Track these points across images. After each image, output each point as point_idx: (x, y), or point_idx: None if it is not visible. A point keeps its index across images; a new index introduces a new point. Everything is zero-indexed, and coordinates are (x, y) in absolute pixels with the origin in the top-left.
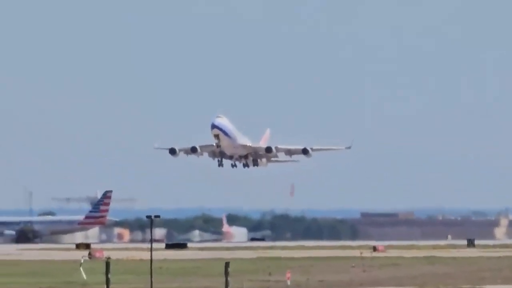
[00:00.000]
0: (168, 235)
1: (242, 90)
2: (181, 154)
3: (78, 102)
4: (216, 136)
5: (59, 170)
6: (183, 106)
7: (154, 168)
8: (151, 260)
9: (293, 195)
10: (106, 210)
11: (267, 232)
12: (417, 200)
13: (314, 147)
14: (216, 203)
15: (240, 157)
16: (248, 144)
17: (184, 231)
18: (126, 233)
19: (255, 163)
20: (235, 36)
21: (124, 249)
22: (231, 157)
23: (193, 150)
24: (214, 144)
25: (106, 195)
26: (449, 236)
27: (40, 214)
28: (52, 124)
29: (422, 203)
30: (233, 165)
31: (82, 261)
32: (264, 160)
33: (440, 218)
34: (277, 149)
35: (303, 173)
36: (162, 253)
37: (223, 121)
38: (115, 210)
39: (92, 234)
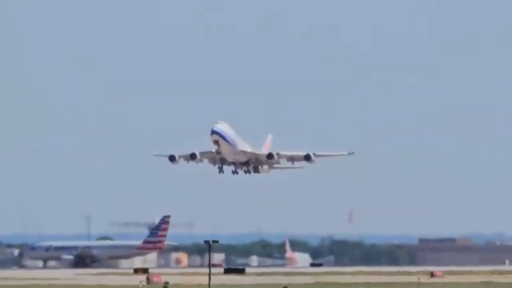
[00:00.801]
0: (227, 260)
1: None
2: (181, 161)
3: (135, 127)
4: (216, 142)
5: (117, 195)
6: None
7: (212, 193)
8: (209, 285)
9: (352, 221)
10: (164, 235)
11: (330, 258)
12: (475, 225)
13: (317, 153)
14: (273, 228)
15: (241, 164)
16: (248, 150)
17: (242, 256)
18: (184, 258)
19: (256, 170)
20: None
21: (182, 274)
22: (231, 164)
23: (192, 156)
24: (214, 151)
25: (164, 220)
26: (507, 261)
27: (98, 239)
28: (110, 149)
29: (480, 228)
30: (234, 172)
31: (140, 286)
32: (266, 167)
33: (498, 243)
34: (279, 156)
35: (362, 198)
36: (220, 278)
37: (222, 127)
38: (173, 235)
39: (150, 259)
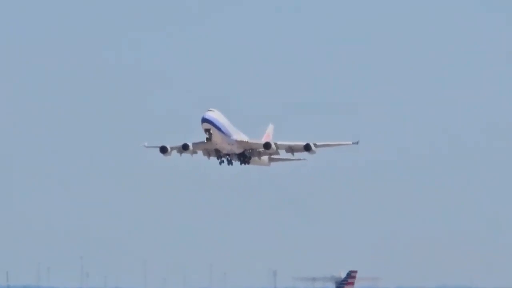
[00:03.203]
0: None
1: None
2: (173, 153)
3: None
4: (207, 131)
5: (304, 249)
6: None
7: (396, 246)
8: None
9: None
10: None
11: None
12: None
13: (318, 143)
14: (459, 280)
15: (238, 155)
16: (244, 140)
17: None
18: None
19: (244, 161)
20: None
21: None
22: (227, 155)
23: (185, 147)
24: (206, 140)
25: (351, 275)
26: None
27: None
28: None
29: None
30: (229, 162)
31: None
32: (264, 158)
33: None
34: (277, 146)
35: None
36: None
37: (214, 115)
38: None
39: None
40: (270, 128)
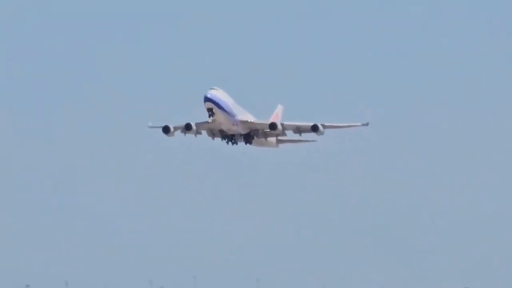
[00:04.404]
0: None
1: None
2: (177, 133)
3: None
4: (210, 110)
5: (410, 269)
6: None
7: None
8: None
9: None
10: None
11: None
12: None
13: (326, 124)
14: None
15: (243, 136)
16: (249, 120)
17: None
18: None
19: (248, 141)
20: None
21: None
22: (232, 136)
23: (188, 127)
24: (211, 121)
25: None
26: None
27: None
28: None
29: None
30: (234, 142)
31: None
32: (272, 140)
33: None
34: (284, 126)
35: None
36: None
37: (218, 94)
38: None
39: None
40: (279, 109)
